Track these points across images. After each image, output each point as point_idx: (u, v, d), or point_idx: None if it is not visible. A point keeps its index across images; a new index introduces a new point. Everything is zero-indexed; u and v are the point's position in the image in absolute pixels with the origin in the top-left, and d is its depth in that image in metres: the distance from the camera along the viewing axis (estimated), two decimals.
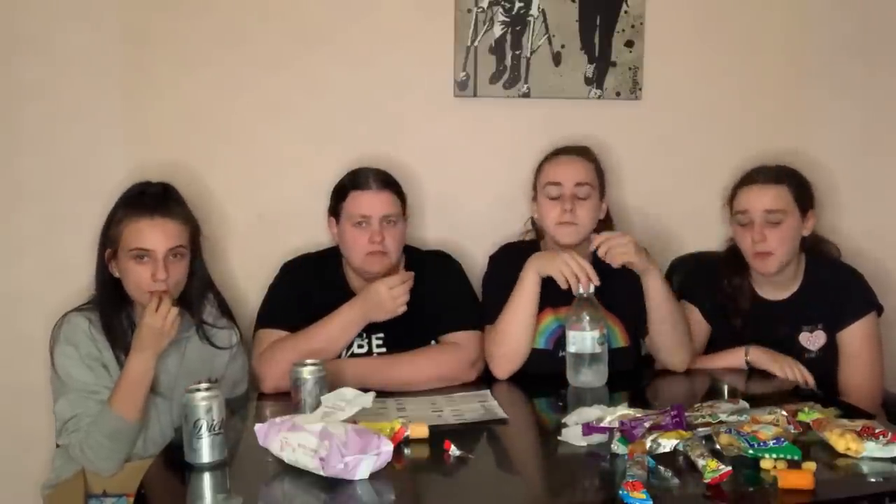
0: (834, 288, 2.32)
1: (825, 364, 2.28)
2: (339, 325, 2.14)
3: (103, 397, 1.94)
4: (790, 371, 2.20)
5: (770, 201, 2.25)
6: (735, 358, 2.27)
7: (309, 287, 2.24)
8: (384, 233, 2.19)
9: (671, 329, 2.22)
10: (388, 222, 2.20)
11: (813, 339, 2.31)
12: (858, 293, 2.32)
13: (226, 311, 2.22)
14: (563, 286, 2.13)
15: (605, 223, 2.35)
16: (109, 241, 2.05)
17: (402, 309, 2.12)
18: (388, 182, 2.25)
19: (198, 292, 2.15)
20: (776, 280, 2.33)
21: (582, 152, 2.33)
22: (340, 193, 2.25)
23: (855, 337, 2.28)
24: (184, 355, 2.10)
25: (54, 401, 2.01)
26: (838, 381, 2.29)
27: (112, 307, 2.05)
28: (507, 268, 2.26)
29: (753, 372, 2.24)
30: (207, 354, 2.14)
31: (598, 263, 2.17)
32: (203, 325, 2.14)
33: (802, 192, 2.30)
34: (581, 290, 2.10)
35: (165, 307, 1.92)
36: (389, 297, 2.10)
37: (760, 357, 2.24)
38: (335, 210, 2.26)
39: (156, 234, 2.01)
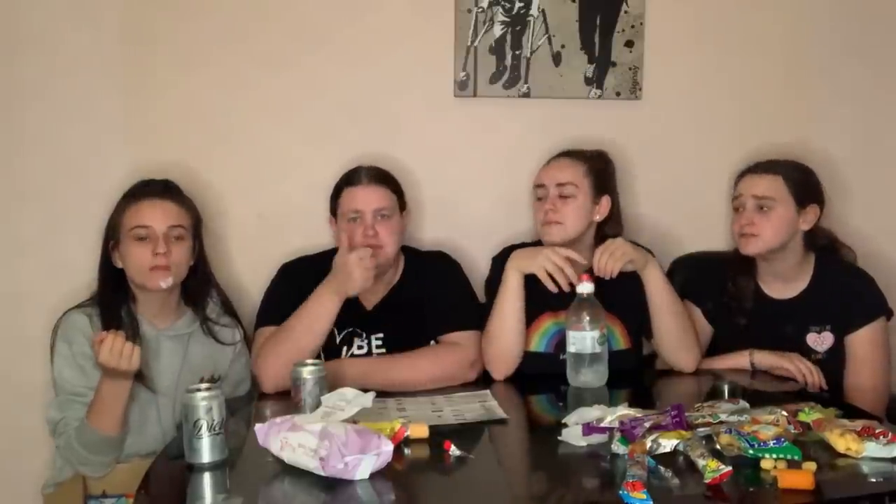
0: (844, 290, 2.30)
1: (832, 366, 2.27)
2: (316, 304, 2.10)
3: (88, 400, 1.94)
4: (802, 366, 2.19)
5: (761, 188, 2.27)
6: (739, 360, 2.26)
7: (307, 288, 2.23)
8: (377, 227, 2.18)
9: (674, 324, 2.22)
10: (381, 216, 2.20)
11: (820, 340, 2.30)
12: (869, 297, 2.30)
13: (229, 309, 2.23)
14: (551, 287, 2.12)
15: (608, 222, 2.31)
16: (112, 232, 2.07)
17: (370, 282, 2.09)
18: (380, 177, 2.25)
19: (201, 288, 2.16)
20: (780, 274, 2.32)
21: (573, 153, 2.32)
22: (336, 192, 2.26)
23: (864, 342, 2.27)
24: (186, 352, 2.10)
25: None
26: (844, 384, 2.28)
27: (113, 300, 2.05)
28: None
29: (755, 372, 2.23)
30: (210, 351, 2.14)
31: None
32: (207, 321, 2.15)
33: (800, 185, 2.28)
34: (580, 290, 2.10)
35: (119, 343, 1.82)
36: (359, 267, 2.07)
37: (766, 358, 2.23)
38: (333, 209, 2.27)
39: (155, 212, 2.04)
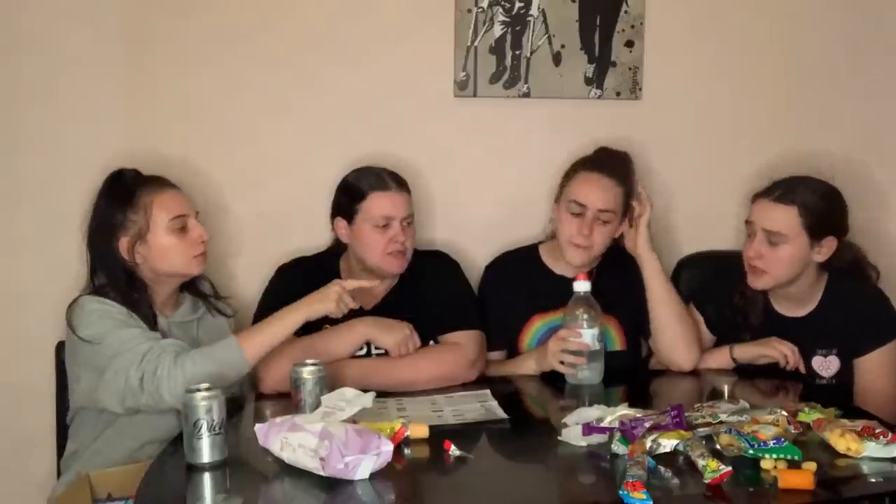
0: (853, 312, 2.20)
1: (837, 391, 2.17)
2: (346, 334, 2.12)
3: (150, 335, 1.95)
4: (783, 348, 2.14)
5: (771, 222, 2.15)
6: (721, 359, 2.23)
7: (304, 289, 2.21)
8: (404, 233, 2.20)
9: (673, 317, 2.23)
10: (407, 223, 2.21)
11: (826, 365, 2.22)
12: (882, 317, 2.20)
13: (213, 287, 2.25)
14: (570, 373, 2.11)
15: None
16: (125, 227, 2.03)
17: (341, 311, 2.04)
18: (405, 182, 2.25)
19: None
20: (791, 296, 2.24)
21: (616, 172, 2.27)
22: (357, 194, 2.21)
23: (875, 365, 2.18)
24: (195, 339, 2.12)
25: (101, 371, 1.93)
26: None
27: (131, 295, 2.03)
28: (501, 282, 2.34)
29: (756, 372, 2.21)
30: (216, 334, 2.14)
31: (602, 267, 2.27)
32: (207, 298, 2.20)
33: (817, 217, 2.14)
34: (577, 288, 2.11)
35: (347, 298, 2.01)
36: (336, 294, 2.03)
37: (746, 350, 2.19)
38: (348, 211, 2.22)
39: (183, 200, 2.10)
